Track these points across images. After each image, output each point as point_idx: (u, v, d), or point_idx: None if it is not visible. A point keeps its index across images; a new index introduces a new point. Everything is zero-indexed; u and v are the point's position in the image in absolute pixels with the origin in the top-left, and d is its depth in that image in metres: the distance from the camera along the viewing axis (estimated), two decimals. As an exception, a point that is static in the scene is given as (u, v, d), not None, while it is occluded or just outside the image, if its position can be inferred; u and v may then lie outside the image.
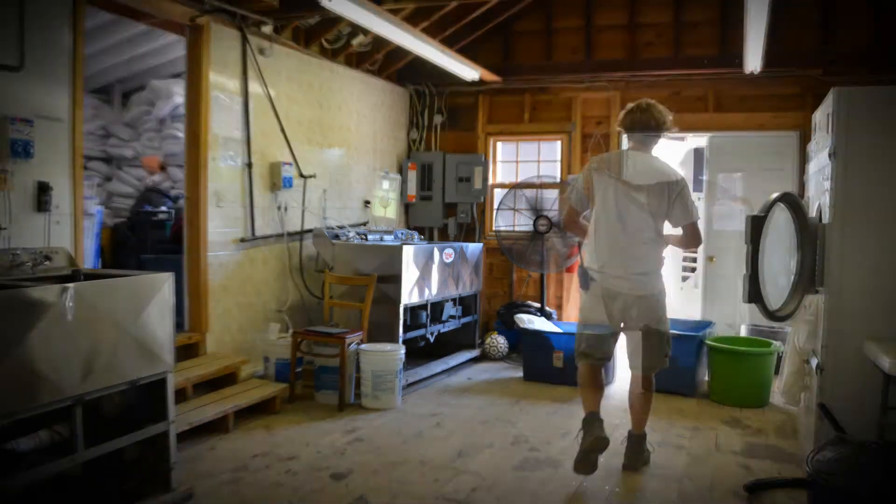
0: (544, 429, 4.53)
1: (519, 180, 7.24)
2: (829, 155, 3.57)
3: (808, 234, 3.71)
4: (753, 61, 5.63)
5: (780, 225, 3.80)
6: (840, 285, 3.55)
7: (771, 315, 3.72)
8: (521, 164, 7.53)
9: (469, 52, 6.87)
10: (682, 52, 6.73)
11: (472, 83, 7.00)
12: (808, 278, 3.70)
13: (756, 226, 3.63)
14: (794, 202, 3.75)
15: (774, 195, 3.70)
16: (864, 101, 3.54)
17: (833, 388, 3.55)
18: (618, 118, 3.82)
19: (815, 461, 3.04)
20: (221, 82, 5.05)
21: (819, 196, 3.96)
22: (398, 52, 6.63)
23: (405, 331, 5.45)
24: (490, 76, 6.91)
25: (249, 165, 5.30)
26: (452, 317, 6.19)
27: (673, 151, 7.75)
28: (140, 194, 6.94)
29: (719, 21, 6.59)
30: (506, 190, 7.04)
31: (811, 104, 6.14)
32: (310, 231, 5.89)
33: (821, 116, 4.05)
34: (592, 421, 3.60)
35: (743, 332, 6.19)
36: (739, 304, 6.28)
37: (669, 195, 3.55)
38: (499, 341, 6.63)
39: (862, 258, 3.52)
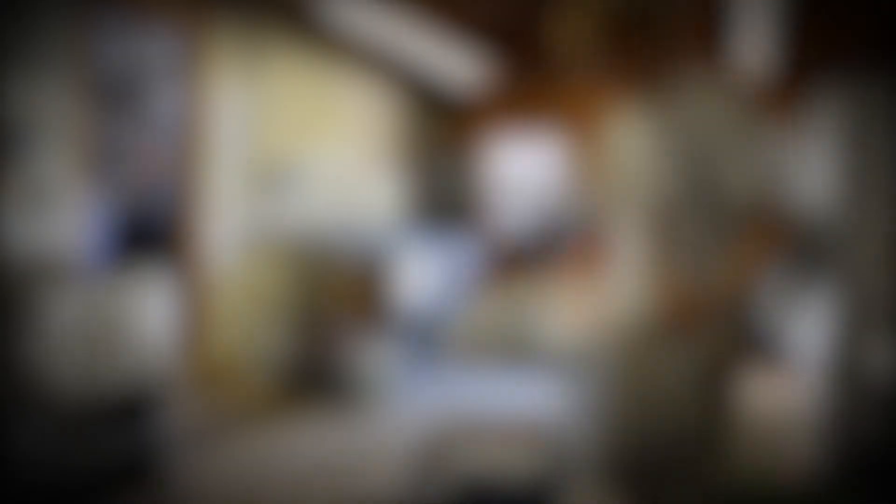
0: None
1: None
2: (835, 152, 3.53)
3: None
4: (756, 58, 5.59)
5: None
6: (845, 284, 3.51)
7: None
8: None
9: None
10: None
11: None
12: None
13: None
14: None
15: None
16: (869, 98, 3.50)
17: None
18: None
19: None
20: (221, 79, 5.00)
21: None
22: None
23: (405, 330, 5.42)
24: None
25: (250, 165, 5.26)
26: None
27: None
28: (137, 193, 6.90)
29: (719, 17, 6.53)
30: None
31: (815, 101, 6.09)
32: (311, 231, 5.85)
33: (825, 113, 4.01)
34: None
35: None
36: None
37: None
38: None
39: (867, 257, 3.47)
